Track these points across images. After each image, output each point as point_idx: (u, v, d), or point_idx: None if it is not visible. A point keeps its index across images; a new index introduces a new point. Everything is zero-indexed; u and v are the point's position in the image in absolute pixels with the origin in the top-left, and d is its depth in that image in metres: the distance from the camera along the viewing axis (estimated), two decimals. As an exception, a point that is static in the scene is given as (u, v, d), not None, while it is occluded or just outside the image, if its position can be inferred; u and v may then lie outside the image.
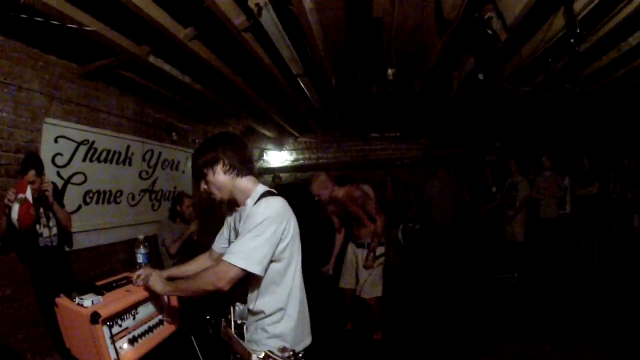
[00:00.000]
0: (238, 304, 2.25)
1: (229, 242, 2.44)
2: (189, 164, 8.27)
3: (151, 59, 4.98)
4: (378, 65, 5.55)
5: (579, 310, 5.90)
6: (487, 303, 6.65)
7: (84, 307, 2.40)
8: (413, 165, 11.28)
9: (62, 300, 2.57)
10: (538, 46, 4.53)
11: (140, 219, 6.76)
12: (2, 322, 4.25)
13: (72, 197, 5.22)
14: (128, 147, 6.30)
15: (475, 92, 6.43)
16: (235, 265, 1.93)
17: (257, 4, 3.66)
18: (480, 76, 5.08)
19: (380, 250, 5.12)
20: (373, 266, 5.00)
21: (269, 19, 3.98)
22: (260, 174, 11.74)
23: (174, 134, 7.56)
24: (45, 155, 4.71)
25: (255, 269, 1.96)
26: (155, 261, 5.49)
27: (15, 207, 3.69)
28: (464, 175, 10.29)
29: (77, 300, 2.48)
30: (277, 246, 2.05)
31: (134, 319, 2.68)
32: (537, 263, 8.29)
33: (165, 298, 2.96)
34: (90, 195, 5.55)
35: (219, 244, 2.57)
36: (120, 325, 2.55)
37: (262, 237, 1.97)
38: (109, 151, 5.87)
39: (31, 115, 4.64)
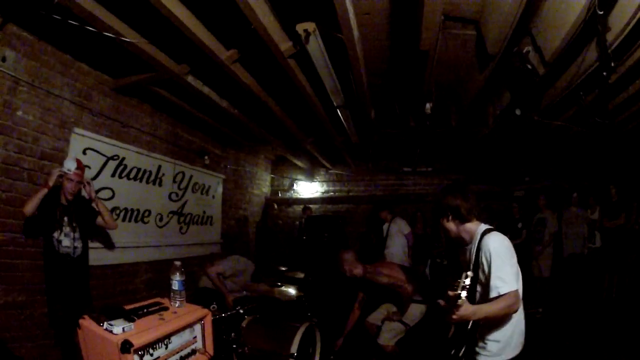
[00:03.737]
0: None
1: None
2: (220, 189, 8.24)
3: (190, 79, 4.85)
4: (417, 99, 5.44)
5: (601, 344, 5.64)
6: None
7: (114, 334, 2.23)
8: (443, 201, 10.89)
9: (87, 323, 2.39)
10: (572, 79, 4.43)
11: (167, 241, 6.58)
12: (12, 327, 4.09)
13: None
14: (159, 167, 6.19)
15: (510, 127, 6.23)
16: (514, 289, 2.33)
17: (305, 30, 3.56)
18: (518, 111, 4.95)
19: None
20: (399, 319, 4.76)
21: (315, 47, 3.87)
22: (290, 204, 11.65)
23: (206, 157, 7.46)
24: (72, 166, 4.63)
25: (520, 286, 2.43)
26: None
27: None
28: (491, 212, 9.97)
29: (105, 325, 2.30)
30: None
31: (166, 348, 2.51)
32: (560, 297, 7.99)
33: (200, 328, 2.85)
34: (117, 212, 5.42)
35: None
36: (152, 355, 2.38)
37: (511, 260, 2.43)
38: (139, 169, 5.76)
39: (59, 123, 4.54)
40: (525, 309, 2.61)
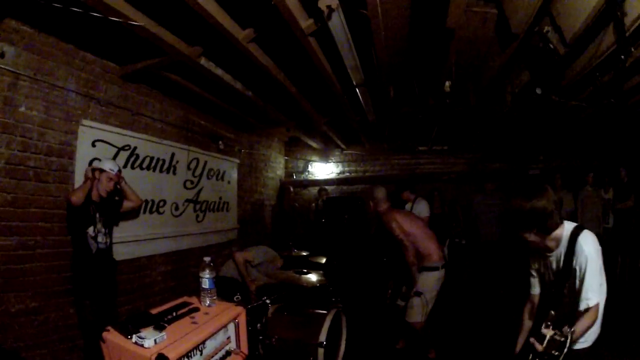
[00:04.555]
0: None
1: (540, 281, 2.77)
2: (234, 174, 8.04)
3: (202, 61, 4.57)
4: (436, 77, 5.34)
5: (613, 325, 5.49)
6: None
7: (145, 348, 2.01)
8: (459, 180, 10.85)
9: (112, 336, 2.16)
10: (591, 60, 4.39)
11: (184, 230, 6.38)
12: (26, 335, 3.91)
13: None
14: (173, 154, 5.95)
15: (527, 106, 6.17)
16: (598, 302, 2.27)
17: (328, 6, 3.32)
18: (538, 90, 4.84)
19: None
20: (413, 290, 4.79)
21: (337, 23, 3.63)
22: (305, 186, 11.47)
23: (220, 142, 7.23)
24: (82, 160, 4.41)
25: (602, 298, 2.34)
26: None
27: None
28: (507, 190, 9.81)
29: (134, 338, 2.08)
30: None
31: (201, 354, 2.34)
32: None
33: (234, 327, 2.71)
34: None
35: (535, 287, 2.82)
36: None
37: (601, 266, 2.35)
38: (152, 158, 5.53)
39: (65, 116, 4.29)
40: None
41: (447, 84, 5.15)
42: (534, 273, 2.79)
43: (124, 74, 4.91)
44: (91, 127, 4.55)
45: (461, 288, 8.05)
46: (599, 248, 2.36)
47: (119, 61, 4.84)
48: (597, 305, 2.25)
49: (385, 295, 5.51)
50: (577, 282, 2.35)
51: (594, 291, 2.26)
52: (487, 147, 10.72)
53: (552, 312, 2.18)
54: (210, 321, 2.46)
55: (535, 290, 2.80)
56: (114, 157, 4.86)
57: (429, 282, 4.77)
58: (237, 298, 3.26)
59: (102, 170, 4.03)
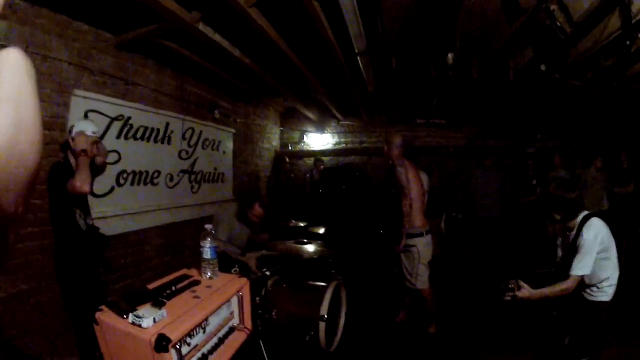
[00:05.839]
0: None
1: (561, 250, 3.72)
2: (230, 144, 7.87)
3: (201, 26, 4.33)
4: (440, 49, 5.22)
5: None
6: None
7: (143, 328, 1.82)
8: (458, 154, 10.81)
9: (107, 317, 1.97)
10: (595, 42, 4.42)
11: (179, 202, 6.22)
12: (18, 321, 3.73)
13: (104, 178, 4.56)
14: (167, 124, 5.74)
15: (530, 82, 6.19)
16: (578, 276, 3.18)
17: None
18: (543, 67, 4.96)
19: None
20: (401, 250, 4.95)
21: None
22: (301, 157, 11.34)
23: (216, 111, 7.03)
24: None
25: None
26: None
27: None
28: (504, 167, 9.79)
29: (131, 317, 1.88)
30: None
31: (204, 332, 2.17)
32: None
33: (237, 301, 2.55)
34: (125, 175, 5.01)
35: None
36: (189, 344, 2.02)
37: (593, 251, 3.17)
38: (146, 128, 5.32)
39: (57, 87, 4.06)
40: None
41: (450, 56, 5.04)
42: (558, 244, 3.72)
43: (119, 42, 4.69)
44: (84, 97, 4.32)
45: (461, 261, 8.14)
46: (599, 233, 3.20)
47: (114, 30, 4.62)
48: (574, 278, 3.17)
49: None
50: (576, 251, 3.22)
51: (579, 266, 3.15)
52: (487, 123, 10.67)
53: (552, 269, 3.57)
54: (213, 295, 2.30)
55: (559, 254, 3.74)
56: (107, 128, 4.67)
57: (421, 246, 4.88)
58: (235, 270, 3.12)
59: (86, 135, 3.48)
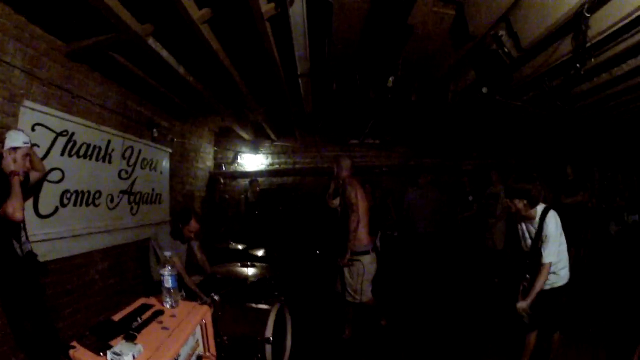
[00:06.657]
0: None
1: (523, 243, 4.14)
2: (167, 164, 7.74)
3: (150, 41, 4.31)
4: (380, 71, 5.44)
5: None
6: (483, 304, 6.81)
7: None
8: (392, 173, 11.14)
9: (81, 354, 1.95)
10: (541, 66, 4.69)
11: (118, 224, 6.01)
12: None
13: (48, 197, 4.47)
14: (109, 142, 5.59)
15: (469, 104, 6.42)
16: (549, 262, 3.71)
17: (293, -9, 3.29)
18: (484, 89, 5.07)
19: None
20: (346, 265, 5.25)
21: (298, 10, 3.67)
22: (235, 177, 11.30)
23: (155, 130, 6.89)
24: (20, 145, 4.01)
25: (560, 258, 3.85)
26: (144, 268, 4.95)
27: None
28: (440, 185, 10.19)
29: (109, 355, 1.86)
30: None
31: None
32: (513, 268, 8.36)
33: (203, 329, 2.58)
34: (68, 195, 4.83)
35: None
36: None
37: (559, 238, 3.78)
38: (89, 145, 5.15)
39: (8, 95, 3.84)
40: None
41: (391, 79, 5.29)
42: (521, 236, 4.12)
43: (69, 51, 4.52)
44: (32, 109, 4.13)
45: (398, 275, 8.39)
46: (558, 223, 3.76)
47: (65, 38, 4.43)
48: (546, 265, 3.68)
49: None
50: (542, 241, 3.75)
51: (548, 254, 3.69)
52: (422, 143, 11.05)
53: (528, 276, 3.92)
54: (180, 325, 2.32)
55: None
56: (52, 144, 4.48)
57: (367, 263, 5.26)
58: (182, 295, 3.10)
59: (16, 148, 3.23)
